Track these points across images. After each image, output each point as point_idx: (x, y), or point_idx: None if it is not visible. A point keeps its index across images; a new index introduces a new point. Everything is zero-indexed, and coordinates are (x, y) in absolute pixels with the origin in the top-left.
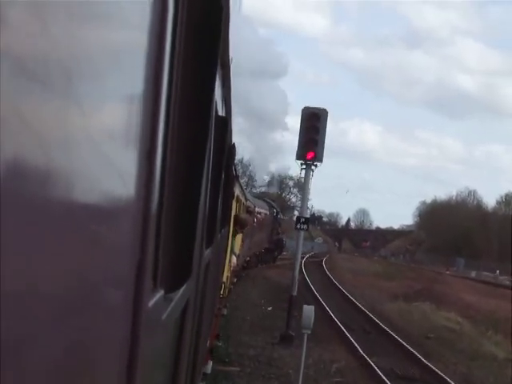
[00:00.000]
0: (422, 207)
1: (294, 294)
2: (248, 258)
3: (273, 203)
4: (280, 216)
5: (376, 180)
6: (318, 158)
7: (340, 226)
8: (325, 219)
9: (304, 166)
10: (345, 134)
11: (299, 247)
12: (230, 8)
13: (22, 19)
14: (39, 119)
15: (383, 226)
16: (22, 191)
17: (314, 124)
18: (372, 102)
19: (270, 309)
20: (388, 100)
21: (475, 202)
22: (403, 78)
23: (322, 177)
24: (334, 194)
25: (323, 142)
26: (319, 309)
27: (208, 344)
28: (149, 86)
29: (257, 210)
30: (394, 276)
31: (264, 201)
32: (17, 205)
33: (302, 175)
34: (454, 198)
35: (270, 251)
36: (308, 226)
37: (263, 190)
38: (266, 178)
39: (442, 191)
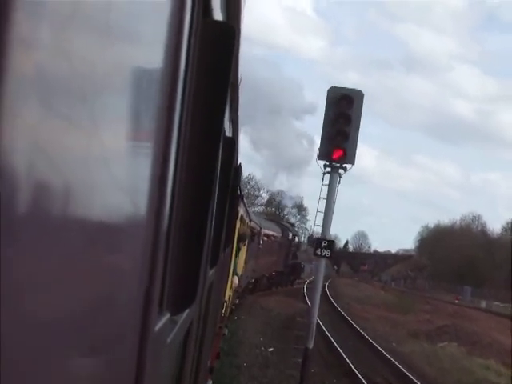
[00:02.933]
0: (424, 232)
1: (311, 346)
2: (253, 280)
3: (290, 227)
4: (297, 240)
5: (373, 204)
6: (349, 158)
7: (338, 249)
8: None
9: (328, 170)
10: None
11: (319, 281)
12: (241, 31)
13: (34, 35)
14: (52, 139)
15: (381, 249)
16: (30, 213)
17: (343, 111)
18: (368, 126)
19: (271, 350)
20: (384, 124)
21: (479, 228)
22: (399, 102)
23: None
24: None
25: (356, 137)
26: (331, 351)
27: (209, 363)
28: (162, 108)
29: (264, 231)
30: (407, 307)
31: (278, 224)
32: (27, 226)
33: (325, 183)
34: (457, 223)
35: (286, 275)
36: (332, 252)
37: (261, 209)
38: (265, 197)
39: (439, 216)
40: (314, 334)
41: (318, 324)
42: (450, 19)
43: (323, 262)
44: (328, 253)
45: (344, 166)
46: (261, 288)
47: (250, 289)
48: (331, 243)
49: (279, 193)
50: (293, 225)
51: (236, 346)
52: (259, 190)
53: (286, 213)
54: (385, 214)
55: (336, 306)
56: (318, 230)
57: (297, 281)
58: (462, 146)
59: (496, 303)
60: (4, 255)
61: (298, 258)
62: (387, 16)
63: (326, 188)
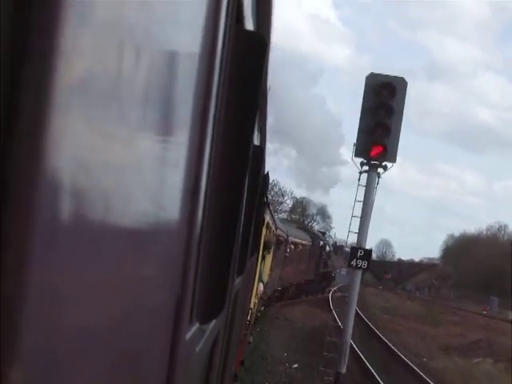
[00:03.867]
0: (450, 240)
1: (343, 371)
2: (279, 288)
3: (320, 235)
4: (329, 248)
5: (396, 212)
6: (390, 155)
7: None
8: (346, 249)
9: (365, 168)
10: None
11: (353, 298)
12: (271, 42)
13: (79, 44)
14: (93, 148)
15: (405, 258)
16: (66, 221)
17: (384, 101)
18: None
19: (295, 366)
20: (406, 132)
21: (506, 238)
22: (423, 110)
23: (340, 204)
24: (354, 223)
25: (399, 131)
26: (359, 366)
27: (233, 370)
28: (196, 119)
29: (291, 239)
30: (436, 319)
31: (308, 232)
32: (61, 233)
33: (362, 183)
34: (483, 232)
35: (317, 283)
36: (369, 263)
37: (285, 215)
38: (289, 203)
39: (462, 225)
40: (347, 358)
41: (341, 331)
42: (474, 27)
43: (359, 274)
44: (365, 264)
45: (384, 164)
46: (289, 296)
47: (277, 296)
48: (368, 253)
49: (303, 200)
50: (324, 233)
51: (258, 361)
52: (283, 196)
53: (309, 220)
54: (408, 222)
55: (363, 316)
56: (352, 237)
57: (327, 289)
58: (485, 153)
59: None
60: (42, 262)
61: (329, 267)
62: (410, 24)
63: (362, 189)
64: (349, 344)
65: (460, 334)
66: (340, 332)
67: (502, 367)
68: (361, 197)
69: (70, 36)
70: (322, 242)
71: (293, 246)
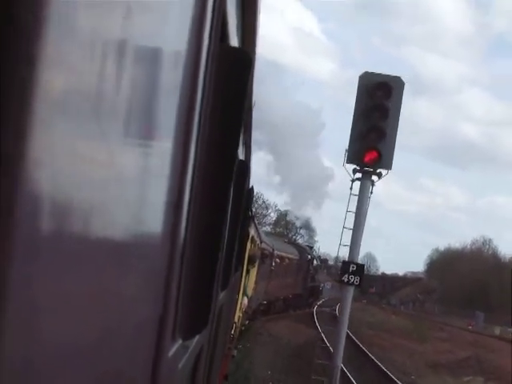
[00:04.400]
0: (435, 255)
1: None
2: (264, 302)
3: (308, 249)
4: (317, 262)
5: (380, 226)
6: (385, 161)
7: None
8: (330, 263)
9: (358, 176)
10: (348, 179)
11: (344, 318)
12: (256, 54)
13: (58, 50)
14: (70, 163)
15: (388, 272)
16: (45, 234)
17: (379, 102)
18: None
19: None
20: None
21: (490, 252)
22: (407, 125)
23: (323, 218)
24: (338, 237)
25: (394, 136)
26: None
27: None
28: (179, 134)
29: (277, 253)
30: (422, 335)
31: (296, 246)
32: (39, 246)
33: (354, 193)
34: (468, 246)
35: (305, 297)
36: (362, 279)
37: (269, 229)
38: (273, 217)
39: (446, 240)
40: (338, 382)
41: (329, 353)
42: (457, 43)
43: (351, 291)
44: (357, 280)
45: (378, 171)
46: (276, 311)
47: (263, 310)
48: (361, 268)
49: (287, 213)
50: (311, 247)
51: (241, 381)
52: (267, 209)
53: (293, 233)
54: (392, 236)
55: (348, 332)
56: (343, 251)
57: (315, 303)
58: (468, 169)
59: (510, 329)
60: (22, 276)
61: (317, 281)
62: (393, 39)
63: (354, 199)
64: (340, 368)
65: (448, 351)
66: (328, 353)
67: None
68: (353, 207)
69: (52, 45)
70: (309, 256)
71: (278, 260)
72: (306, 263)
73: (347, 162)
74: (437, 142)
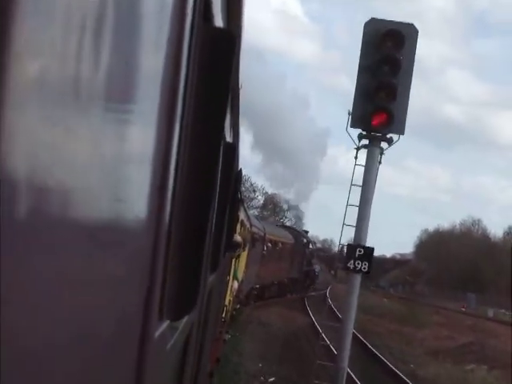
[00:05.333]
0: (424, 236)
1: None
2: (257, 286)
3: (304, 233)
4: (312, 246)
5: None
6: (397, 125)
7: (333, 253)
8: (318, 245)
9: (365, 143)
10: (334, 160)
11: (350, 314)
12: (242, 35)
13: (33, 33)
14: (52, 143)
15: (376, 254)
16: (35, 219)
17: (389, 54)
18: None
19: (272, 380)
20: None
21: (480, 232)
22: None
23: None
24: (326, 220)
25: (408, 94)
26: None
27: (208, 367)
28: (163, 116)
29: (269, 237)
30: (418, 319)
31: (291, 230)
32: (31, 231)
33: (361, 163)
34: (457, 226)
35: (301, 281)
36: (371, 265)
37: (256, 212)
38: (261, 199)
39: (433, 221)
40: None
41: (326, 344)
42: (440, 23)
43: (358, 280)
44: (365, 266)
45: (389, 136)
46: (271, 295)
47: (256, 295)
48: (370, 252)
49: (274, 196)
50: (307, 232)
51: (230, 376)
52: (254, 192)
53: (281, 217)
54: (378, 218)
55: (340, 316)
56: (348, 233)
57: (311, 287)
58: (453, 150)
59: (502, 311)
60: (3, 260)
61: (313, 265)
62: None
63: (360, 170)
64: (346, 370)
65: (448, 337)
66: (329, 352)
67: (498, 375)
68: (358, 180)
69: (24, 32)
70: (305, 240)
71: (270, 244)
72: (302, 247)
73: (351, 127)
74: (420, 122)
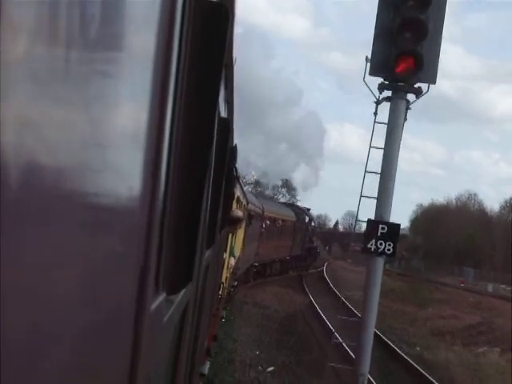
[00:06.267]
0: (419, 211)
1: None
2: (256, 264)
3: (306, 211)
4: (314, 224)
5: (358, 183)
6: (426, 71)
7: (328, 229)
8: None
9: (386, 95)
10: (326, 136)
11: (371, 311)
12: (235, 10)
13: (29, 20)
14: (45, 122)
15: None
16: (25, 195)
17: None
18: (351, 106)
19: (271, 369)
20: (367, 104)
21: (476, 207)
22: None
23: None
24: (319, 195)
25: (440, 34)
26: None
27: (206, 344)
28: (156, 90)
29: (268, 214)
30: (419, 297)
31: (292, 207)
32: (19, 209)
33: (382, 120)
34: (453, 201)
35: (302, 259)
36: (395, 245)
37: (249, 188)
38: (254, 175)
39: (426, 196)
40: None
41: (324, 324)
42: None
43: (380, 265)
44: (390, 247)
45: (417, 86)
46: (272, 272)
47: (255, 272)
48: (395, 229)
49: (268, 171)
50: (309, 210)
51: (224, 366)
52: (248, 167)
53: (274, 192)
54: (372, 194)
55: (340, 296)
56: (366, 208)
57: (313, 264)
58: (446, 124)
59: (502, 286)
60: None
61: (314, 243)
62: None
63: (381, 129)
64: (367, 377)
65: (452, 316)
66: (339, 349)
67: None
68: (379, 141)
69: (13, 11)
70: (307, 218)
71: (269, 222)
72: (304, 225)
73: (370, 74)
74: (413, 97)
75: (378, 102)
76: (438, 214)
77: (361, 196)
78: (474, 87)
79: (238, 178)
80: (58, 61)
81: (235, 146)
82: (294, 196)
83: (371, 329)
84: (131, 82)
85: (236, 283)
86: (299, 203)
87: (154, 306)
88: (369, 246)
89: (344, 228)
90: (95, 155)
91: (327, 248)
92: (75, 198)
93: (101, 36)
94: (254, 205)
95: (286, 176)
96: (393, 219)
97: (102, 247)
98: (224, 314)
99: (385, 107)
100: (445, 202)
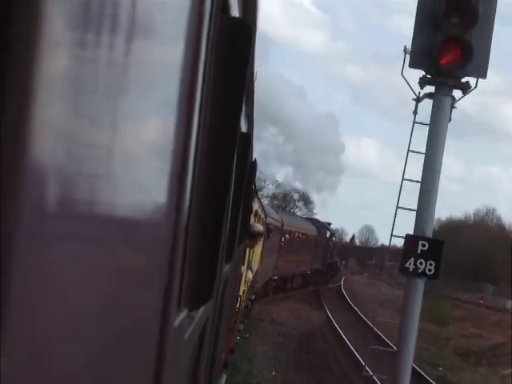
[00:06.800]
0: (437, 225)
1: None
2: (275, 278)
3: (327, 226)
4: (335, 238)
5: (376, 197)
6: (477, 65)
7: (344, 242)
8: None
9: (428, 90)
10: (344, 150)
11: (410, 337)
12: (257, 25)
13: (66, 34)
14: (72, 134)
15: (387, 243)
16: (49, 208)
17: None
18: (368, 119)
19: None
20: (384, 117)
21: (494, 222)
22: (399, 96)
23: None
24: (336, 209)
25: (492, 21)
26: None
27: (223, 357)
28: (182, 106)
29: (288, 228)
30: (441, 315)
31: (313, 222)
32: (49, 223)
33: (423, 120)
34: (471, 216)
35: (323, 273)
36: (439, 266)
37: (266, 201)
38: (272, 189)
39: (444, 210)
40: None
41: (346, 347)
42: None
43: (420, 288)
44: (431, 267)
45: (465, 81)
46: (293, 286)
47: (275, 286)
48: (438, 247)
49: (285, 185)
50: (330, 224)
51: None
52: (265, 181)
53: (292, 206)
54: (388, 207)
55: (360, 313)
56: (401, 220)
57: (333, 279)
58: (463, 139)
59: None
60: (27, 250)
61: (335, 258)
62: (384, 9)
63: (420, 130)
64: None
65: (476, 335)
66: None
67: None
68: (418, 144)
69: (53, 25)
70: (328, 233)
71: (288, 236)
72: (326, 239)
73: (410, 66)
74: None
75: (418, 100)
76: (456, 228)
77: (397, 207)
78: (493, 102)
79: (256, 191)
80: (85, 72)
81: (255, 160)
82: (310, 210)
83: (408, 362)
84: (159, 97)
85: (254, 296)
86: (316, 217)
87: (177, 322)
88: (407, 265)
89: (361, 242)
90: (122, 170)
91: (344, 262)
92: (101, 214)
93: (130, 51)
94: (273, 218)
95: (301, 189)
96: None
97: (128, 264)
98: (241, 327)
99: (424, 106)
100: (463, 217)
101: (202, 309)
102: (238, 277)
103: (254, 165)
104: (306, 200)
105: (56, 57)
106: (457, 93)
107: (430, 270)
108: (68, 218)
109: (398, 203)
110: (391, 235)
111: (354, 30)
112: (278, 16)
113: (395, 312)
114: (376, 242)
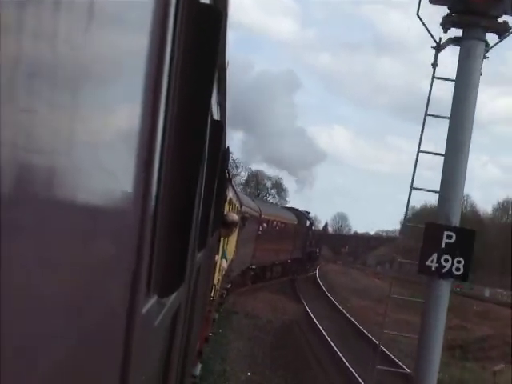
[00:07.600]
0: (411, 213)
1: None
2: (253, 267)
3: (306, 214)
4: (314, 227)
5: (349, 185)
6: None
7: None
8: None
9: (453, 35)
10: (315, 138)
11: (433, 354)
12: (228, 12)
13: (26, 21)
14: (37, 123)
15: (360, 231)
16: (16, 197)
17: None
18: (340, 108)
19: None
20: (356, 106)
21: (468, 209)
22: (371, 84)
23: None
24: (307, 196)
25: None
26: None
27: (197, 346)
28: (148, 92)
29: (265, 217)
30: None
31: (293, 211)
32: (14, 210)
33: (440, 74)
34: None
35: (303, 262)
36: (469, 263)
37: (239, 189)
38: (244, 176)
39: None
40: None
41: (323, 338)
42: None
43: (446, 292)
44: (460, 265)
45: (502, 21)
46: (273, 276)
47: (253, 275)
48: (468, 239)
49: (257, 173)
50: (308, 213)
51: None
52: (237, 168)
53: (264, 194)
54: (361, 195)
55: (335, 303)
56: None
57: (313, 268)
58: (434, 126)
59: (499, 290)
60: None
61: (314, 247)
62: None
63: (438, 87)
64: None
65: (460, 327)
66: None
67: None
68: (437, 107)
69: (9, 12)
70: (308, 222)
71: (266, 225)
72: (306, 228)
73: (431, 2)
74: (401, 99)
75: (438, 47)
76: (430, 215)
77: (411, 188)
78: None
79: (230, 179)
80: (50, 62)
81: (228, 148)
82: (283, 198)
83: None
84: (124, 83)
85: (229, 285)
86: (288, 205)
87: (145, 309)
88: (428, 262)
89: (333, 230)
90: (87, 157)
91: (317, 250)
92: (66, 200)
93: (93, 38)
94: (249, 207)
95: (274, 177)
96: (385, 222)
97: (93, 250)
98: (216, 316)
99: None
100: (436, 204)
101: (173, 296)
102: (212, 265)
103: (226, 152)
104: (279, 187)
105: (12, 42)
106: (490, 37)
107: (457, 269)
108: (31, 206)
109: (412, 183)
110: (404, 221)
111: (324, 19)
112: (249, 3)
113: (372, 302)
114: (349, 229)
